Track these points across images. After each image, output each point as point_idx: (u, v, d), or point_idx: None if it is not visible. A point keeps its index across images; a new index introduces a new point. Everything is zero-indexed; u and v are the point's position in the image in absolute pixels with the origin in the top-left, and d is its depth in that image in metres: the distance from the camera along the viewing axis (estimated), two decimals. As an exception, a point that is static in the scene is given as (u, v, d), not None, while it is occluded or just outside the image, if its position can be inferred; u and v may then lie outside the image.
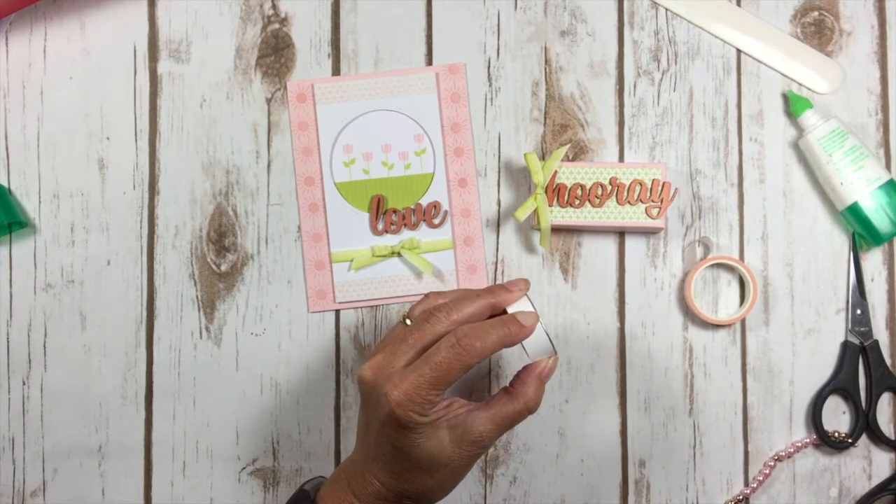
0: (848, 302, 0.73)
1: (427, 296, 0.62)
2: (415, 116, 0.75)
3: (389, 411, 0.56)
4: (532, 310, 0.60)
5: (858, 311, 0.72)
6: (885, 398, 0.73)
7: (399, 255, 0.74)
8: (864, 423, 0.72)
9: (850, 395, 0.72)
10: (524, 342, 0.60)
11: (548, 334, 0.60)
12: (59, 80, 0.75)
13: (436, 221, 0.74)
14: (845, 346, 0.72)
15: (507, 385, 0.61)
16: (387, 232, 0.74)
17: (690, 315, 0.73)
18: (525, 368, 0.61)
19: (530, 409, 0.60)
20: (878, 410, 0.72)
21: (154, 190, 0.75)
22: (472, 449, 0.59)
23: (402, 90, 0.75)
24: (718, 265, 0.73)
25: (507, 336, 0.58)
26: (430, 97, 0.75)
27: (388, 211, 0.74)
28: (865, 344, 0.72)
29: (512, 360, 0.74)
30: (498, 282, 0.74)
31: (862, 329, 0.72)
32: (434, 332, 0.58)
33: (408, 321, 0.60)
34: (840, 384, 0.72)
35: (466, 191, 0.74)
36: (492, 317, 0.60)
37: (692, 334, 0.73)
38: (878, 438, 0.72)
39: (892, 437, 0.72)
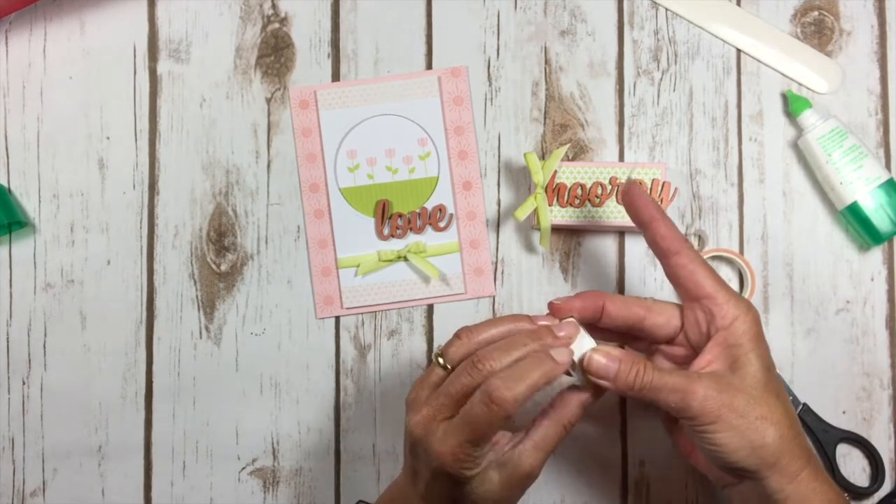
0: None
1: (459, 335, 0.58)
2: (418, 120, 0.75)
3: (438, 467, 0.55)
4: (587, 337, 0.58)
5: None
6: (843, 449, 0.73)
7: (405, 259, 0.74)
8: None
9: None
10: (577, 368, 0.58)
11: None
12: (59, 80, 0.75)
13: (441, 225, 0.74)
14: None
15: (546, 406, 0.59)
16: (392, 236, 0.74)
17: (690, 315, 0.73)
18: (569, 389, 0.59)
19: (567, 430, 0.58)
20: (839, 465, 0.72)
21: (154, 190, 0.75)
22: (523, 483, 0.57)
23: (405, 94, 0.75)
24: (717, 259, 0.73)
25: (542, 377, 0.55)
26: (432, 101, 0.75)
27: (394, 215, 0.74)
28: (797, 412, 0.72)
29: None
30: (498, 281, 0.74)
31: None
32: (475, 386, 0.55)
33: (440, 360, 0.58)
34: None
35: (471, 193, 0.74)
36: None
37: (692, 334, 0.73)
38: (853, 492, 0.72)
39: (866, 484, 0.72)
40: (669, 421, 0.65)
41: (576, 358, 0.58)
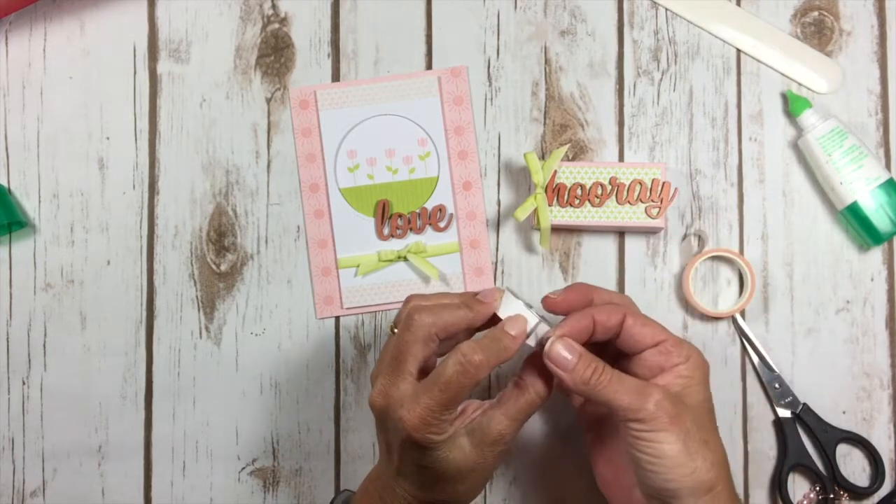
0: (760, 383, 0.73)
1: (407, 299, 0.60)
2: (418, 120, 0.75)
3: (406, 436, 0.56)
4: (519, 304, 0.59)
5: (776, 385, 0.72)
6: (843, 449, 0.72)
7: (405, 259, 0.74)
8: (835, 485, 0.71)
9: (808, 467, 0.71)
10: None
11: (542, 318, 0.59)
12: (59, 80, 0.75)
13: (441, 225, 0.74)
14: (780, 423, 0.72)
15: (516, 377, 0.60)
16: (392, 237, 0.74)
17: (690, 314, 0.73)
18: (530, 356, 0.60)
19: (542, 398, 0.59)
20: (839, 465, 0.72)
21: (154, 190, 0.75)
22: (494, 448, 0.58)
23: (405, 94, 0.75)
24: (717, 259, 0.73)
25: (503, 351, 0.57)
26: (432, 101, 0.75)
27: (394, 215, 0.74)
28: (797, 412, 0.72)
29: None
30: (498, 281, 0.74)
31: (787, 400, 0.72)
32: (416, 339, 0.57)
33: (395, 330, 0.60)
34: (794, 461, 0.71)
35: (471, 193, 0.74)
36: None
37: (692, 333, 0.73)
38: (853, 492, 0.72)
39: (866, 484, 0.72)
40: (595, 443, 0.65)
41: (528, 328, 0.59)
